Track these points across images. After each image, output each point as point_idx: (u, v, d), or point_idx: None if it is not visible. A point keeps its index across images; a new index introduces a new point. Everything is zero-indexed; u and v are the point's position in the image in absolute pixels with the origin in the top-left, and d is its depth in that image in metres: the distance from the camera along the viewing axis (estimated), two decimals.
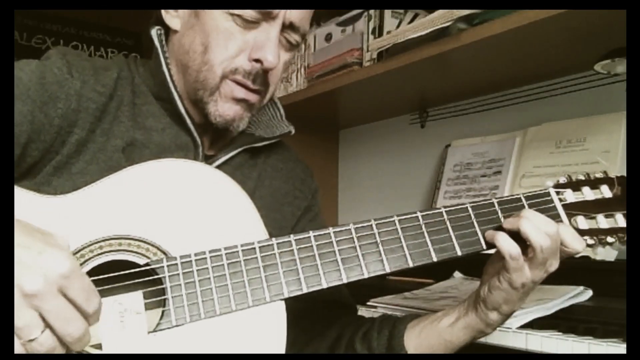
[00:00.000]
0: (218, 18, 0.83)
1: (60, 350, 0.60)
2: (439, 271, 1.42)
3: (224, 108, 0.86)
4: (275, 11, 0.83)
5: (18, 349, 0.57)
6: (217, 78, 0.84)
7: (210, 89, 0.85)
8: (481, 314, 0.81)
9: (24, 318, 0.57)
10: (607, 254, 1.23)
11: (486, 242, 0.78)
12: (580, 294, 1.13)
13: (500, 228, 0.77)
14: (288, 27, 0.86)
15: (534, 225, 0.74)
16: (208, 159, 0.90)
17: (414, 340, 0.86)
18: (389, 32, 1.63)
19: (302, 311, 0.91)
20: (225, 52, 0.83)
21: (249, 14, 0.82)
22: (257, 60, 0.84)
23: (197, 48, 0.84)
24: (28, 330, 0.57)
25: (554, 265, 0.76)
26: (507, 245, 0.74)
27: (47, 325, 0.58)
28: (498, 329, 0.99)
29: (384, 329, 0.89)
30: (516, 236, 0.75)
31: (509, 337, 1.00)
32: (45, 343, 0.58)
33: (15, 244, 0.58)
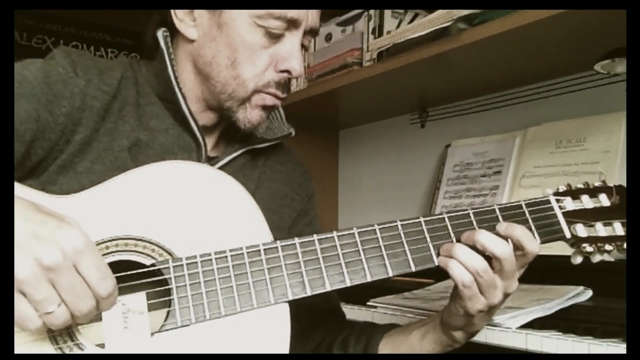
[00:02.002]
0: (243, 32, 0.83)
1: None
2: (439, 271, 1.42)
3: (252, 115, 0.88)
4: (300, 20, 0.84)
5: (36, 321, 0.58)
6: (249, 92, 0.86)
7: (241, 99, 0.87)
8: (447, 333, 0.83)
9: (43, 291, 0.58)
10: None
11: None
12: (580, 294, 1.13)
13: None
14: (308, 32, 0.88)
15: (490, 236, 0.73)
16: (210, 160, 0.91)
17: (388, 349, 0.88)
18: (389, 32, 1.63)
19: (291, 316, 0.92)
20: (254, 68, 0.85)
21: (275, 25, 0.83)
22: (284, 71, 0.86)
23: (222, 61, 0.85)
24: (46, 304, 0.58)
25: (512, 287, 0.75)
26: (458, 274, 0.74)
27: (62, 299, 0.59)
28: (498, 329, 1.01)
29: (362, 336, 0.91)
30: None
31: (509, 337, 1.00)
32: (62, 317, 0.59)
33: (32, 220, 0.59)
